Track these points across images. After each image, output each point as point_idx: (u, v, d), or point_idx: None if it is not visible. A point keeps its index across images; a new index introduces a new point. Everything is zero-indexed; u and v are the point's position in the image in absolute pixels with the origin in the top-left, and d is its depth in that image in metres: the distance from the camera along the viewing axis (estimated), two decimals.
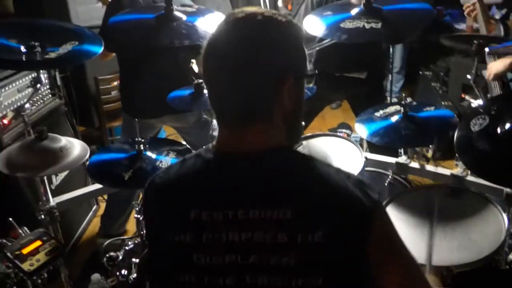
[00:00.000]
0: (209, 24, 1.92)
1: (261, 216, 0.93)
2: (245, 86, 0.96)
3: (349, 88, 2.97)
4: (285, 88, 0.98)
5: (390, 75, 4.11)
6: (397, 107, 2.07)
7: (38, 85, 1.94)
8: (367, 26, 1.78)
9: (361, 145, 2.22)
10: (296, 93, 1.01)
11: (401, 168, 2.17)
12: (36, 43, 1.75)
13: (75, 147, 1.85)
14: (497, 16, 3.91)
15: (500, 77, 2.56)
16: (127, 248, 1.99)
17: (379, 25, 1.78)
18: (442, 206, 1.80)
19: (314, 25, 1.92)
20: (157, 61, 2.55)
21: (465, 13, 2.84)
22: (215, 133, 2.81)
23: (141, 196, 2.39)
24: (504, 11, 3.72)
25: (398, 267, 0.98)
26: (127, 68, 2.72)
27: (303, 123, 1.13)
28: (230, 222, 0.94)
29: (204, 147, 1.08)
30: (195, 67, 2.78)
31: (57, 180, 2.71)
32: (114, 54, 2.71)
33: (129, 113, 2.75)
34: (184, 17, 1.92)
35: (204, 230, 0.96)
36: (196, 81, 2.14)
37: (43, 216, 1.97)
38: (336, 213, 0.93)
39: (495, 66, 2.52)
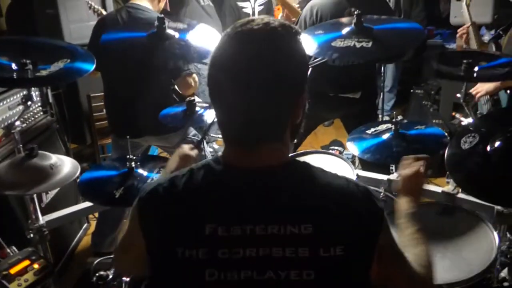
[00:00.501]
0: (202, 40, 1.94)
1: (281, 232, 0.93)
2: (264, 106, 0.94)
3: (343, 107, 2.99)
4: (301, 102, 0.99)
5: (381, 94, 4.15)
6: (388, 125, 2.08)
7: (29, 103, 1.93)
8: (358, 45, 1.80)
9: (353, 163, 2.23)
10: (304, 103, 1.02)
11: (393, 185, 2.17)
12: (28, 61, 1.75)
13: (66, 165, 1.83)
14: (487, 36, 3.99)
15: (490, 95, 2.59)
16: None
17: (369, 44, 1.79)
18: (433, 224, 1.80)
19: (306, 44, 1.93)
20: (140, 83, 2.56)
21: (458, 35, 2.90)
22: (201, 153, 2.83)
23: None
24: (493, 31, 3.79)
25: (402, 270, 1.02)
26: (111, 88, 2.74)
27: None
28: (248, 238, 0.93)
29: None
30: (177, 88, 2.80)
31: (47, 198, 2.69)
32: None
33: (113, 132, 2.78)
34: (176, 35, 1.93)
35: (220, 245, 0.93)
36: (188, 99, 2.14)
37: (32, 235, 1.94)
38: (353, 225, 0.95)
39: (486, 85, 2.53)
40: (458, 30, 2.90)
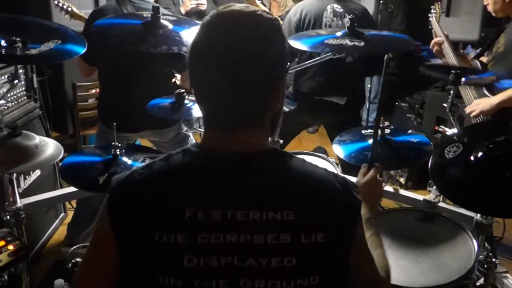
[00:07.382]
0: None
1: (263, 218, 0.91)
2: (245, 89, 0.94)
3: (327, 113, 3.03)
4: (280, 87, 0.99)
5: (367, 104, 4.20)
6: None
7: (16, 81, 1.89)
8: (350, 43, 1.85)
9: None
10: (283, 90, 1.02)
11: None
12: (18, 39, 1.72)
13: (49, 146, 1.80)
14: (472, 54, 4.06)
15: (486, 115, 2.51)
16: None
17: (361, 44, 1.84)
18: (414, 229, 1.83)
19: (298, 42, 1.95)
20: (141, 75, 2.52)
21: (434, 51, 2.94)
22: None
23: None
24: (479, 50, 3.86)
25: (369, 266, 1.05)
26: (109, 81, 2.67)
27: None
28: (229, 223, 0.91)
29: (190, 144, 1.04)
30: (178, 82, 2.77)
31: (25, 183, 2.64)
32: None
33: (108, 126, 2.70)
34: (170, 26, 1.93)
35: (200, 230, 0.91)
36: (177, 91, 2.13)
37: (8, 217, 1.89)
38: (333, 213, 0.96)
39: (482, 105, 2.49)
40: (431, 46, 2.94)
